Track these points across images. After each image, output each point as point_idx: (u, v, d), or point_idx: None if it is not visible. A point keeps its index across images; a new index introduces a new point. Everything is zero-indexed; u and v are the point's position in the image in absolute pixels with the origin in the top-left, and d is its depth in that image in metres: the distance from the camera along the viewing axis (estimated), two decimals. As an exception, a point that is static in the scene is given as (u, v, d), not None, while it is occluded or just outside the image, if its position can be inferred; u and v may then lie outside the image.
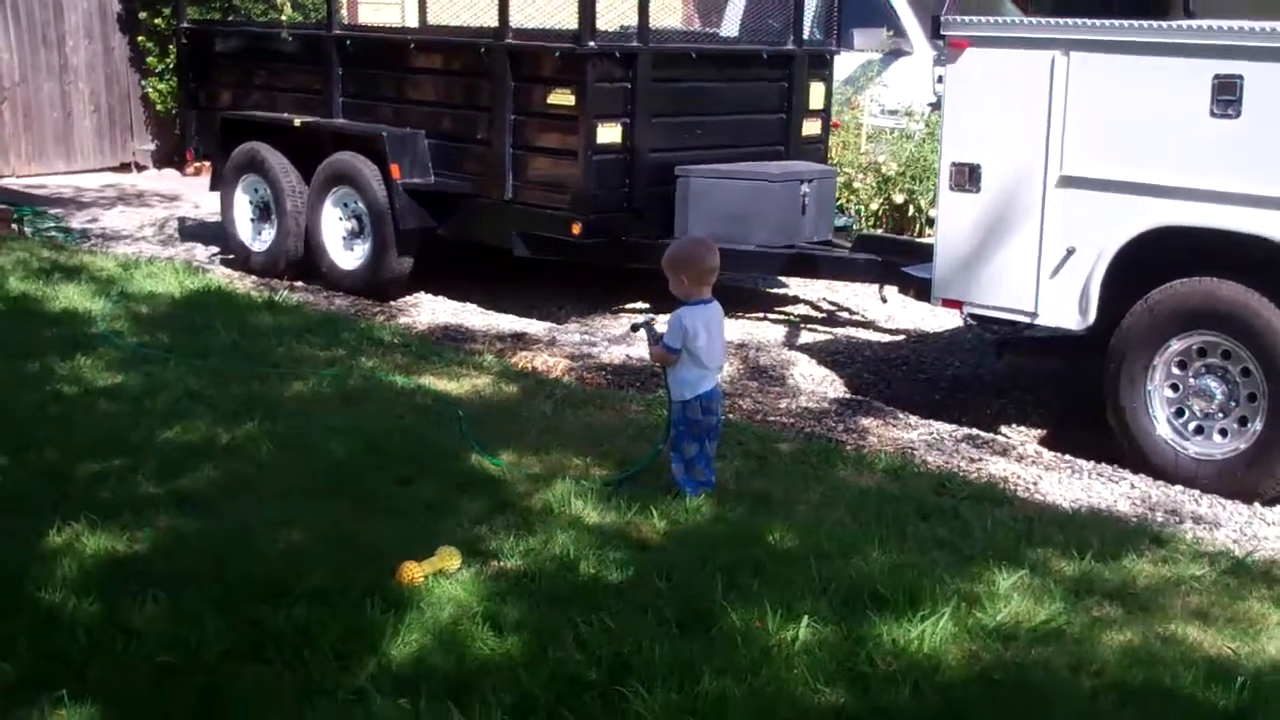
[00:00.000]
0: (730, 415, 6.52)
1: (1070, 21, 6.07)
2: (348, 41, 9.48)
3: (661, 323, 5.34)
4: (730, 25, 10.92)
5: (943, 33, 6.47)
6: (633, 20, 8.32)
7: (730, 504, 5.10)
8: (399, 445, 5.62)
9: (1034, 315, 6.35)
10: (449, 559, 4.40)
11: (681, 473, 5.17)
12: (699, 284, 5.15)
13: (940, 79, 7.57)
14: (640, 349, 7.34)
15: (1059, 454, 6.29)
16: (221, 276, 9.61)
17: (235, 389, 6.42)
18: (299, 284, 9.50)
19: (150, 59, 14.72)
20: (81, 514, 4.69)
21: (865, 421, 6.66)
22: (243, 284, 9.42)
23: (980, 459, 6.13)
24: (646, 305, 8.84)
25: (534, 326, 8.51)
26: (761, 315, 8.88)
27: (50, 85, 14.67)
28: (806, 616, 4.02)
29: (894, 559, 4.57)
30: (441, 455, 5.54)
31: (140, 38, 14.73)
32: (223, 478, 5.22)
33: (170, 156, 15.18)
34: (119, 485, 5.08)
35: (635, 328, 5.36)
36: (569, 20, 8.15)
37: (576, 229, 8.11)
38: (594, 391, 6.96)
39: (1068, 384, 7.35)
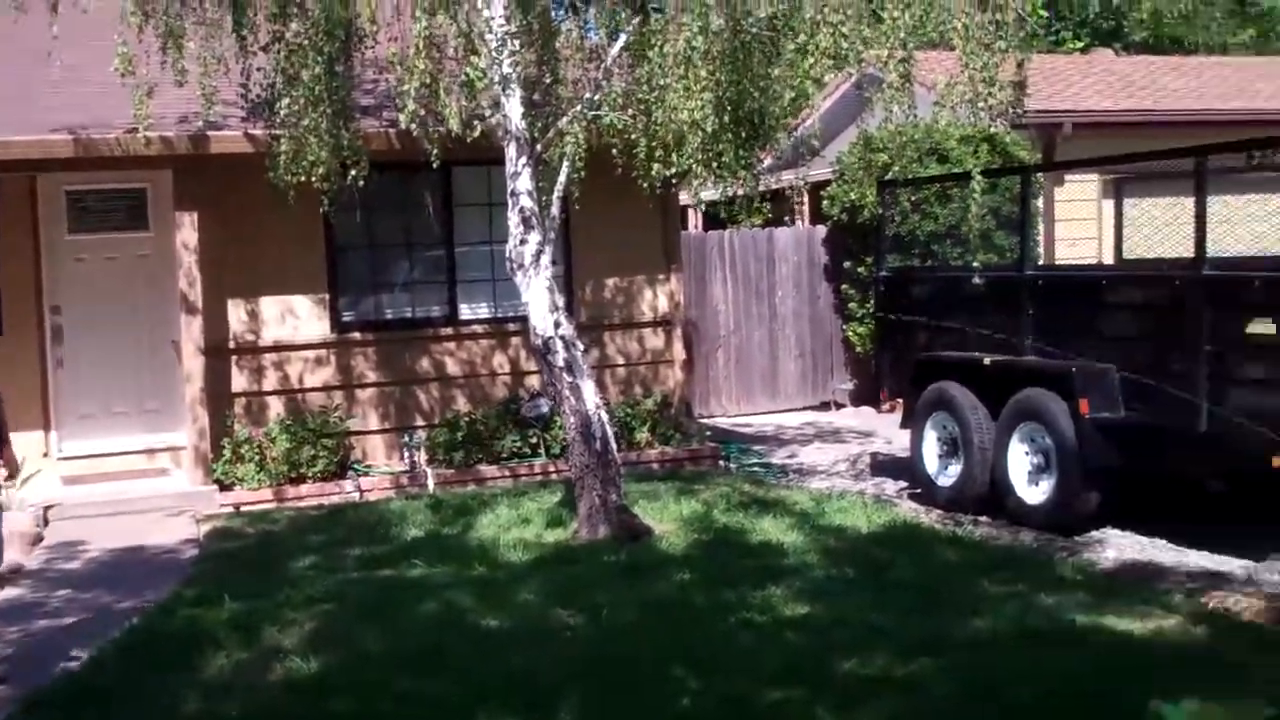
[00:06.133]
0: None
1: None
2: (1039, 281, 9.58)
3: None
4: None
5: None
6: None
7: None
8: (1079, 688, 5.43)
9: None
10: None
11: None
12: None
13: None
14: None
15: None
16: (908, 510, 9.83)
17: (915, 624, 6.50)
18: (983, 518, 9.52)
19: (851, 304, 15.53)
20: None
21: None
22: (928, 518, 9.58)
23: None
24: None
25: (1229, 564, 7.97)
26: None
27: (760, 332, 15.88)
28: None
29: None
30: (1120, 698, 5.28)
31: (844, 285, 15.63)
32: (899, 712, 5.28)
33: (866, 395, 15.84)
34: (799, 715, 5.26)
35: None
36: (1271, 245, 7.78)
37: (1278, 462, 7.58)
38: (1296, 639, 6.39)
39: None
